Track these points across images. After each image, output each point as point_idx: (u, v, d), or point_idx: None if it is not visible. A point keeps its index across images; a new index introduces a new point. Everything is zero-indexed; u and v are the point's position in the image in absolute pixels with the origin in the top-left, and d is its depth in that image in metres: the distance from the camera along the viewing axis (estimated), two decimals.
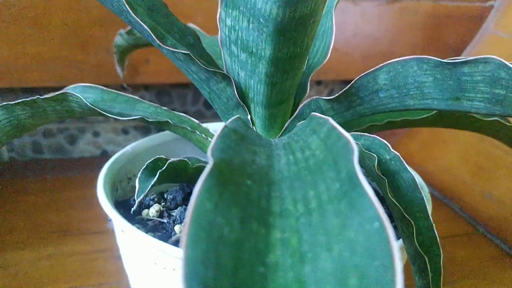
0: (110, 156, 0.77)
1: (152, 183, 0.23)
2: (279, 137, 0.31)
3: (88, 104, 0.31)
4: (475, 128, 0.38)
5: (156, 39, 0.25)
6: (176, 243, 0.26)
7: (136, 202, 0.22)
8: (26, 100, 0.31)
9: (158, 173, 0.23)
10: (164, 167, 0.24)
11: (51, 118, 0.33)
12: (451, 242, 0.55)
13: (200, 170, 0.28)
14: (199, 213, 0.13)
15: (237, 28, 0.26)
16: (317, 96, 0.28)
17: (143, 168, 0.24)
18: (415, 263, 0.22)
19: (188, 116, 0.35)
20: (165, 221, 0.29)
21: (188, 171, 0.27)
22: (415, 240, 0.21)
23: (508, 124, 0.36)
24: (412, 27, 0.76)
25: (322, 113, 0.29)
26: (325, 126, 0.19)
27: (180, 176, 0.27)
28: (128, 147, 0.35)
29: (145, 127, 0.79)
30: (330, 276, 0.13)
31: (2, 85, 0.61)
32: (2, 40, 0.58)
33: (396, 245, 0.12)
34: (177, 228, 0.28)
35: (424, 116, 0.34)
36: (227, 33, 0.27)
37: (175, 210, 0.30)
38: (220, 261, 0.12)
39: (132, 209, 0.28)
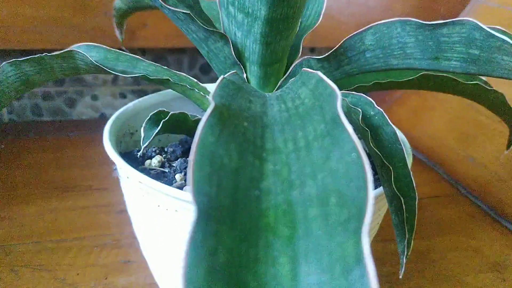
0: (107, 119, 0.79)
1: (156, 131, 0.25)
2: None
3: (94, 61, 0.33)
4: (457, 91, 0.40)
5: (162, 2, 0.27)
6: (178, 188, 0.29)
7: (142, 148, 0.24)
8: (34, 57, 0.33)
9: (161, 122, 0.26)
10: (167, 118, 0.26)
11: (57, 74, 0.35)
12: (435, 202, 0.59)
13: (199, 122, 0.30)
14: (203, 144, 0.15)
15: None
16: (308, 56, 0.30)
17: (147, 119, 0.26)
18: (393, 204, 0.24)
19: (187, 76, 0.37)
20: (167, 170, 0.31)
21: (188, 123, 0.29)
22: (393, 184, 0.24)
23: (488, 88, 0.38)
24: None
25: None
26: (314, 78, 0.21)
27: (181, 127, 0.29)
28: (130, 104, 0.37)
29: (143, 91, 0.80)
30: (314, 197, 0.15)
31: (1, 47, 0.63)
32: (0, 2, 0.59)
33: (369, 169, 0.14)
34: (177, 176, 0.30)
35: (409, 78, 0.36)
36: None
37: (176, 162, 0.33)
38: (221, 183, 0.15)
39: (139, 153, 0.30)
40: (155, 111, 0.27)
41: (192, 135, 0.31)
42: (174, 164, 0.32)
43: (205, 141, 0.16)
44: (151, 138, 0.25)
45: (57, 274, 0.41)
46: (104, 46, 0.36)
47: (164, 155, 0.33)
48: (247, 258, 0.14)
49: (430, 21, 0.26)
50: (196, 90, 0.35)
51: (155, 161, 0.32)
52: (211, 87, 0.39)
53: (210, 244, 0.13)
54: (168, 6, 0.27)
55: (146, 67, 0.36)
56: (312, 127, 0.18)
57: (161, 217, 0.27)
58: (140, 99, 0.39)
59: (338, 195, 0.15)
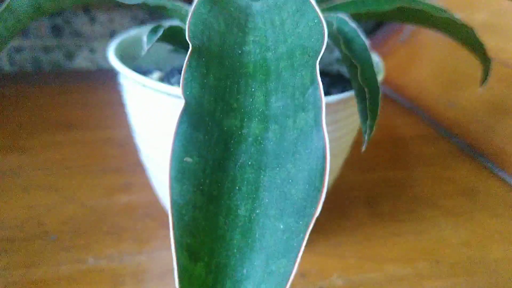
0: (104, 70, 0.82)
1: (157, 36, 0.29)
2: None
3: None
4: (431, 24, 0.43)
5: None
6: None
7: (145, 50, 0.28)
8: None
9: (162, 30, 0.29)
10: (166, 27, 0.30)
11: (68, 2, 0.38)
12: (416, 141, 0.63)
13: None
14: (196, 13, 0.19)
15: None
16: None
17: (149, 30, 0.30)
18: (358, 96, 0.28)
19: (184, 3, 0.40)
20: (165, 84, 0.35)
21: (183, 35, 0.32)
22: (359, 77, 0.27)
23: (458, 22, 0.42)
24: None
25: None
26: None
27: (178, 38, 0.32)
28: (131, 32, 0.41)
29: None
30: (284, 54, 0.19)
31: None
32: None
33: (325, 28, 0.18)
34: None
35: (386, 9, 0.40)
36: None
37: (174, 78, 0.36)
38: (211, 37, 0.19)
39: (142, 53, 0.34)
40: (155, 24, 0.31)
41: (186, 47, 0.35)
42: (172, 80, 0.36)
43: (198, 11, 0.19)
44: (153, 41, 0.29)
45: (66, 193, 0.45)
46: None
47: (163, 72, 0.37)
48: (230, 89, 0.17)
49: None
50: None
51: (155, 76, 0.35)
52: None
53: (202, 70, 0.17)
54: None
55: None
56: (286, 11, 0.22)
57: (160, 114, 0.31)
58: (141, 27, 0.42)
59: (302, 48, 0.19)
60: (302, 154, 0.14)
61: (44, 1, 0.38)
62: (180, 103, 0.16)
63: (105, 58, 0.83)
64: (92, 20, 0.79)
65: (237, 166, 0.15)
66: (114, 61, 0.34)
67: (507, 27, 0.67)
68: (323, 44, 0.17)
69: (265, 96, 0.18)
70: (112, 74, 0.79)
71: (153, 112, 0.32)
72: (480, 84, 0.50)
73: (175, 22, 0.44)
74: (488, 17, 0.72)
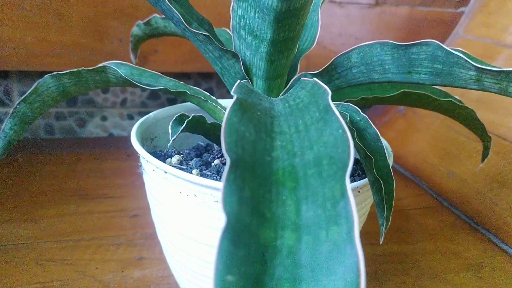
0: (116, 138, 0.84)
1: (182, 128, 0.31)
2: None
3: (123, 75, 0.39)
4: (433, 107, 0.46)
5: (184, 23, 0.33)
6: None
7: (170, 141, 0.30)
8: (73, 71, 0.39)
9: (185, 121, 0.31)
10: (190, 118, 0.32)
11: (90, 86, 0.41)
12: (419, 213, 0.64)
13: (214, 126, 0.36)
14: (229, 122, 0.21)
15: (245, 16, 0.34)
16: (305, 72, 0.36)
17: (173, 119, 0.32)
18: (374, 186, 0.30)
19: (201, 90, 0.43)
20: (184, 167, 0.37)
21: (205, 125, 0.34)
22: (374, 170, 0.29)
23: (460, 104, 0.44)
24: (391, 29, 0.85)
25: None
26: (310, 83, 0.27)
27: (200, 128, 0.35)
28: (151, 114, 0.43)
29: (148, 113, 0.86)
30: (312, 162, 0.21)
31: (26, 68, 0.69)
32: (27, 28, 0.66)
33: (351, 139, 0.20)
34: (194, 171, 0.36)
35: (391, 94, 0.43)
36: (237, 20, 0.35)
37: (191, 161, 0.38)
38: (244, 147, 0.20)
39: (168, 146, 0.35)
40: (179, 113, 0.33)
41: (207, 135, 0.37)
42: (190, 163, 0.38)
43: (231, 120, 0.21)
44: (178, 133, 0.31)
45: (78, 268, 0.46)
46: (130, 64, 0.43)
47: (181, 155, 0.39)
48: (264, 198, 0.19)
49: None
50: (209, 102, 0.41)
51: (174, 160, 0.37)
52: (221, 101, 0.45)
53: (239, 183, 0.18)
54: (191, 29, 0.33)
55: (166, 82, 0.42)
56: (309, 116, 0.24)
57: (182, 202, 0.32)
58: (160, 110, 0.45)
59: (329, 158, 0.20)
60: (337, 269, 0.15)
61: (69, 85, 0.40)
62: (220, 217, 0.17)
63: (117, 125, 0.85)
64: (104, 89, 0.82)
65: (274, 280, 0.16)
66: (136, 146, 0.35)
67: (501, 103, 0.71)
68: (350, 157, 0.19)
69: (296, 204, 0.19)
70: (123, 142, 0.81)
71: (172, 194, 0.33)
72: (481, 160, 0.52)
73: (191, 105, 0.47)
74: (483, 93, 0.76)
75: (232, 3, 0.34)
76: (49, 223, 0.53)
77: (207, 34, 0.34)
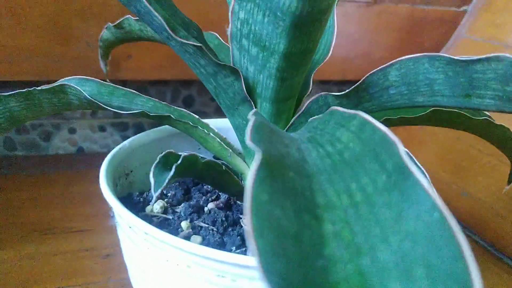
0: (86, 154, 0.75)
1: (169, 177, 0.23)
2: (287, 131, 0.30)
3: (88, 96, 0.30)
4: (466, 127, 0.39)
5: (169, 30, 0.24)
6: (185, 239, 0.26)
7: (154, 197, 0.21)
8: (21, 92, 0.30)
9: (174, 167, 0.23)
10: (179, 161, 0.23)
11: (46, 111, 0.32)
12: None
13: (209, 165, 0.27)
14: (257, 205, 0.13)
15: (250, 21, 0.25)
16: (325, 93, 0.28)
17: (156, 162, 0.24)
18: None
19: (188, 111, 0.34)
20: (170, 217, 0.28)
21: (198, 166, 0.26)
22: None
23: (497, 123, 0.37)
24: (390, 29, 0.78)
25: (329, 108, 0.29)
26: (354, 119, 0.19)
27: (190, 170, 0.26)
28: (125, 142, 0.34)
29: (123, 124, 0.77)
30: (393, 267, 0.13)
31: None
32: None
33: (461, 234, 0.12)
34: (183, 224, 0.27)
35: (419, 114, 0.35)
36: (238, 26, 0.26)
37: (179, 207, 0.30)
38: (287, 253, 0.12)
39: (152, 203, 0.27)
40: (164, 153, 0.25)
41: (201, 179, 0.29)
42: (177, 210, 0.29)
43: (258, 200, 0.13)
44: (164, 184, 0.22)
45: None
46: (97, 80, 0.34)
47: (165, 199, 0.30)
48: None
49: (414, 53, 0.25)
50: (200, 128, 0.32)
51: (157, 207, 0.29)
52: (213, 123, 0.37)
53: None
54: (178, 38, 0.25)
55: (144, 102, 0.33)
56: (368, 178, 0.16)
57: (170, 273, 0.24)
58: (135, 136, 0.36)
59: (425, 265, 0.12)
60: None
61: (19, 110, 0.31)
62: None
63: (86, 139, 0.76)
64: None
65: None
66: (106, 192, 0.27)
67: None
68: (472, 275, 0.11)
69: None
70: (94, 159, 0.71)
71: (156, 262, 0.25)
72: (507, 183, 0.45)
73: (175, 141, 0.38)
74: None
75: (232, 2, 0.26)
76: (3, 269, 0.43)
77: (199, 45, 0.25)
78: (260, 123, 0.18)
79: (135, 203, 0.29)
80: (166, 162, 0.24)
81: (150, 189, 0.35)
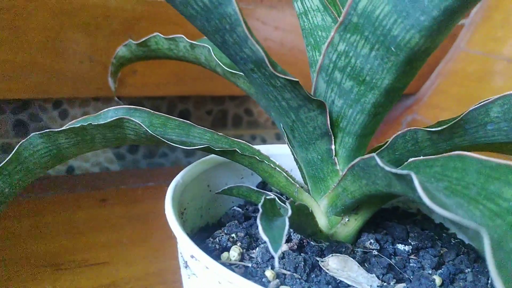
0: (78, 175, 0.70)
1: (285, 233, 0.20)
2: None
3: (149, 131, 0.27)
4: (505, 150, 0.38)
5: (269, 65, 0.22)
6: None
7: (276, 258, 0.19)
8: (74, 127, 0.26)
9: (287, 220, 0.20)
10: (290, 212, 0.21)
11: (97, 146, 0.29)
12: None
13: (299, 208, 0.24)
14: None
15: (351, 54, 0.23)
16: (415, 128, 0.27)
17: (260, 213, 0.21)
18: None
19: (246, 143, 0.32)
20: (249, 265, 0.26)
21: (293, 210, 0.23)
22: None
23: None
24: None
25: (417, 144, 0.27)
26: None
27: (307, 225, 0.24)
28: (179, 178, 0.31)
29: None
30: None
31: None
32: None
33: None
34: (268, 274, 0.25)
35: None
36: (333, 58, 0.24)
37: (253, 251, 0.27)
38: None
39: (274, 266, 0.25)
40: (263, 200, 0.22)
41: (292, 222, 0.26)
42: (252, 255, 0.27)
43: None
44: (283, 243, 0.19)
45: None
46: (147, 110, 0.31)
47: (238, 242, 0.28)
48: None
49: None
50: (266, 162, 0.30)
51: (234, 254, 0.26)
52: (265, 149, 0.34)
53: None
54: (277, 73, 0.22)
55: (201, 134, 0.30)
56: None
57: None
58: (185, 170, 0.33)
59: None
60: None
61: (67, 147, 0.28)
62: None
63: (77, 157, 0.71)
64: (63, 115, 0.68)
65: None
66: (187, 243, 0.24)
67: None
68: None
69: None
70: (90, 181, 0.67)
71: None
72: None
73: (221, 171, 0.36)
74: None
75: (332, 34, 0.23)
76: None
77: (296, 80, 0.23)
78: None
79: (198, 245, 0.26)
80: (269, 210, 0.22)
81: (199, 227, 0.33)
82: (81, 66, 0.56)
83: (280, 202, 0.26)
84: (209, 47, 0.36)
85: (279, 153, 0.37)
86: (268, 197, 0.23)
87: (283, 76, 0.22)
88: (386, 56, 0.22)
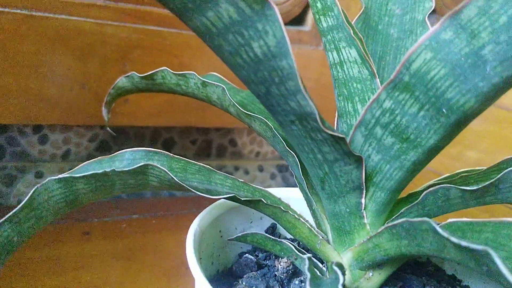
0: None
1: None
2: (389, 222, 0.28)
3: (175, 179, 0.25)
4: None
5: (319, 121, 0.21)
6: None
7: None
8: (96, 173, 0.25)
9: (342, 285, 0.19)
10: (342, 277, 0.20)
11: (115, 192, 0.27)
12: None
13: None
14: None
15: (397, 112, 0.23)
16: (448, 185, 0.26)
17: (309, 277, 0.20)
18: None
19: (267, 190, 0.31)
20: None
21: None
22: None
23: None
24: None
25: (447, 200, 0.27)
26: None
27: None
28: (195, 226, 0.29)
29: None
30: None
31: None
32: None
33: None
34: None
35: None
36: (376, 114, 0.24)
37: None
38: None
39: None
40: (307, 264, 0.21)
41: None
42: None
43: None
44: None
45: None
46: (166, 153, 0.29)
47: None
48: None
49: None
50: (290, 213, 0.29)
51: None
52: (280, 193, 0.33)
53: None
54: (326, 130, 0.22)
55: (222, 180, 0.29)
56: None
57: None
58: (200, 217, 0.31)
59: None
60: None
61: (85, 193, 0.26)
62: None
63: None
64: (42, 139, 0.65)
65: None
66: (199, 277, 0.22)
67: None
68: None
69: None
70: (71, 212, 0.63)
71: None
72: None
73: (232, 215, 0.35)
74: (479, 154, 0.72)
75: (379, 90, 0.23)
76: None
77: (343, 136, 0.22)
78: None
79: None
80: (313, 273, 0.20)
81: (210, 275, 0.31)
82: (72, 94, 0.54)
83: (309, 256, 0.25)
84: (223, 86, 0.35)
85: (286, 196, 0.35)
86: (307, 257, 0.22)
87: (330, 133, 0.22)
88: (436, 117, 0.22)
